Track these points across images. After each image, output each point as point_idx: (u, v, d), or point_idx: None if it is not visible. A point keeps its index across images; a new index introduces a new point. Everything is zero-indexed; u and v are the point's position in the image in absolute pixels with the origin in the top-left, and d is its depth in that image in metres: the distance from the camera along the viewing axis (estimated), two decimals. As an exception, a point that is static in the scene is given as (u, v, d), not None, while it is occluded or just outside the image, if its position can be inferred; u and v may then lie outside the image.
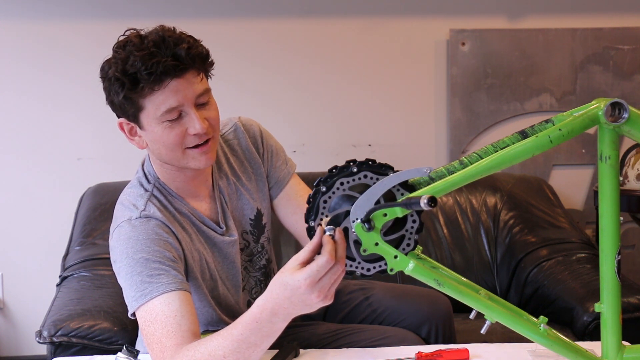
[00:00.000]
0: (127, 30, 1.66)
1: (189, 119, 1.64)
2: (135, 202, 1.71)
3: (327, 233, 1.35)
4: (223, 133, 1.87)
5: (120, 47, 1.62)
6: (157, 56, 1.58)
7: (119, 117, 1.70)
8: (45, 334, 2.27)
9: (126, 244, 1.64)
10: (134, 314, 1.62)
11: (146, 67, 1.57)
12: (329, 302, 1.38)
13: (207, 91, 1.67)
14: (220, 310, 1.80)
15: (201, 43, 1.67)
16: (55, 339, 2.26)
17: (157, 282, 1.58)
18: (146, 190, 1.74)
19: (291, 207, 1.90)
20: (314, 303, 1.37)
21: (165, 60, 1.58)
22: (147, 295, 1.57)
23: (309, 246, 1.37)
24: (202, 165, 1.69)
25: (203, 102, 1.67)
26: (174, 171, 1.73)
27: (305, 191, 1.91)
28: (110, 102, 1.67)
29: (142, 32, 1.64)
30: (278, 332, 1.44)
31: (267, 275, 1.90)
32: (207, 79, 1.71)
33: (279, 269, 1.93)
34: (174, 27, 1.66)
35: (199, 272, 1.74)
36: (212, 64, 1.70)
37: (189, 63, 1.61)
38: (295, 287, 1.35)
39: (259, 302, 1.42)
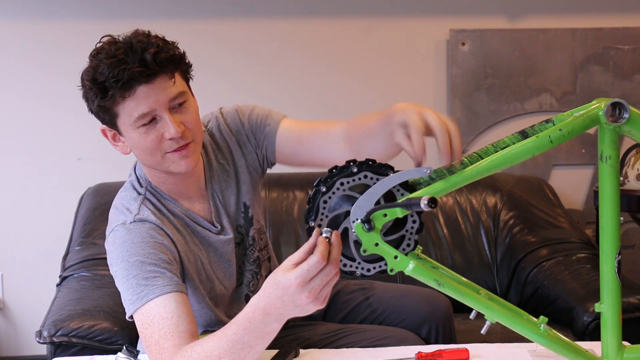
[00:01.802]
0: (103, 37, 1.65)
1: (164, 124, 1.63)
2: (128, 205, 1.71)
3: (324, 235, 1.35)
4: (208, 128, 1.85)
5: (93, 55, 1.63)
6: (124, 63, 1.57)
7: (102, 124, 1.71)
8: (45, 334, 2.27)
9: (121, 247, 1.64)
10: (131, 317, 1.62)
11: (113, 75, 1.57)
12: (320, 305, 1.36)
13: (182, 94, 1.65)
14: (218, 311, 1.80)
15: (174, 45, 1.65)
16: (55, 339, 2.26)
17: (153, 285, 1.58)
18: (139, 194, 1.74)
19: (292, 141, 1.82)
20: (304, 304, 1.35)
21: (131, 67, 1.57)
22: (143, 298, 1.57)
23: (304, 247, 1.36)
24: (183, 169, 1.68)
25: (178, 105, 1.65)
26: (163, 174, 1.73)
27: (301, 121, 1.85)
28: (90, 110, 1.68)
29: (118, 38, 1.63)
30: (272, 334, 1.44)
31: (260, 267, 1.90)
32: (187, 80, 1.70)
33: (277, 261, 1.92)
34: (148, 31, 1.64)
35: (195, 273, 1.74)
36: (188, 65, 1.69)
37: (156, 68, 1.59)
38: (286, 287, 1.35)
39: (252, 301, 1.42)
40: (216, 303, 1.80)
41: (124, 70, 1.56)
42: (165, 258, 1.63)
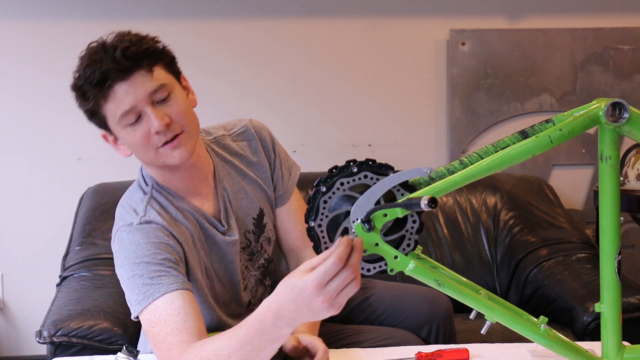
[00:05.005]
0: (91, 43, 1.65)
1: (148, 118, 1.62)
2: (135, 206, 1.71)
3: (351, 237, 1.32)
4: (231, 133, 1.86)
5: (78, 61, 1.64)
6: (96, 64, 1.57)
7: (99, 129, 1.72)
8: (45, 334, 2.27)
9: (127, 248, 1.64)
10: (137, 318, 1.62)
11: (87, 76, 1.58)
12: (335, 312, 1.32)
13: (164, 86, 1.63)
14: (221, 312, 1.80)
15: (153, 40, 1.64)
16: (55, 339, 2.26)
17: (159, 284, 1.58)
18: (145, 193, 1.74)
19: (288, 224, 1.91)
20: (318, 308, 1.31)
21: (103, 65, 1.57)
22: (149, 297, 1.57)
23: (324, 252, 1.32)
24: (177, 160, 1.66)
25: (161, 98, 1.64)
26: (166, 172, 1.73)
27: (302, 209, 1.89)
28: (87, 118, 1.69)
29: (100, 41, 1.63)
30: (283, 338, 1.41)
31: (265, 275, 1.90)
32: (175, 74, 1.68)
33: (280, 268, 1.92)
34: (128, 31, 1.64)
35: (199, 272, 1.74)
36: (168, 56, 1.67)
37: (128, 63, 1.58)
38: (302, 289, 1.30)
39: (264, 303, 1.39)
40: (219, 304, 1.80)
41: (96, 70, 1.57)
42: (171, 258, 1.63)
